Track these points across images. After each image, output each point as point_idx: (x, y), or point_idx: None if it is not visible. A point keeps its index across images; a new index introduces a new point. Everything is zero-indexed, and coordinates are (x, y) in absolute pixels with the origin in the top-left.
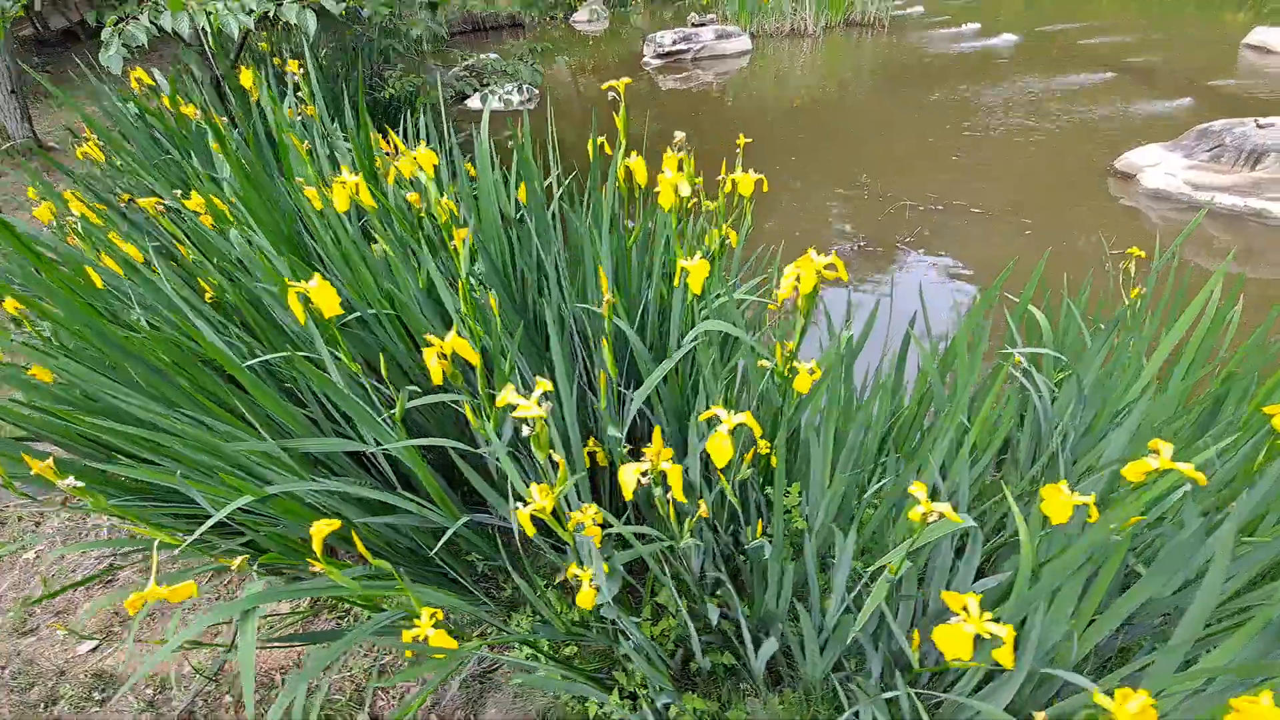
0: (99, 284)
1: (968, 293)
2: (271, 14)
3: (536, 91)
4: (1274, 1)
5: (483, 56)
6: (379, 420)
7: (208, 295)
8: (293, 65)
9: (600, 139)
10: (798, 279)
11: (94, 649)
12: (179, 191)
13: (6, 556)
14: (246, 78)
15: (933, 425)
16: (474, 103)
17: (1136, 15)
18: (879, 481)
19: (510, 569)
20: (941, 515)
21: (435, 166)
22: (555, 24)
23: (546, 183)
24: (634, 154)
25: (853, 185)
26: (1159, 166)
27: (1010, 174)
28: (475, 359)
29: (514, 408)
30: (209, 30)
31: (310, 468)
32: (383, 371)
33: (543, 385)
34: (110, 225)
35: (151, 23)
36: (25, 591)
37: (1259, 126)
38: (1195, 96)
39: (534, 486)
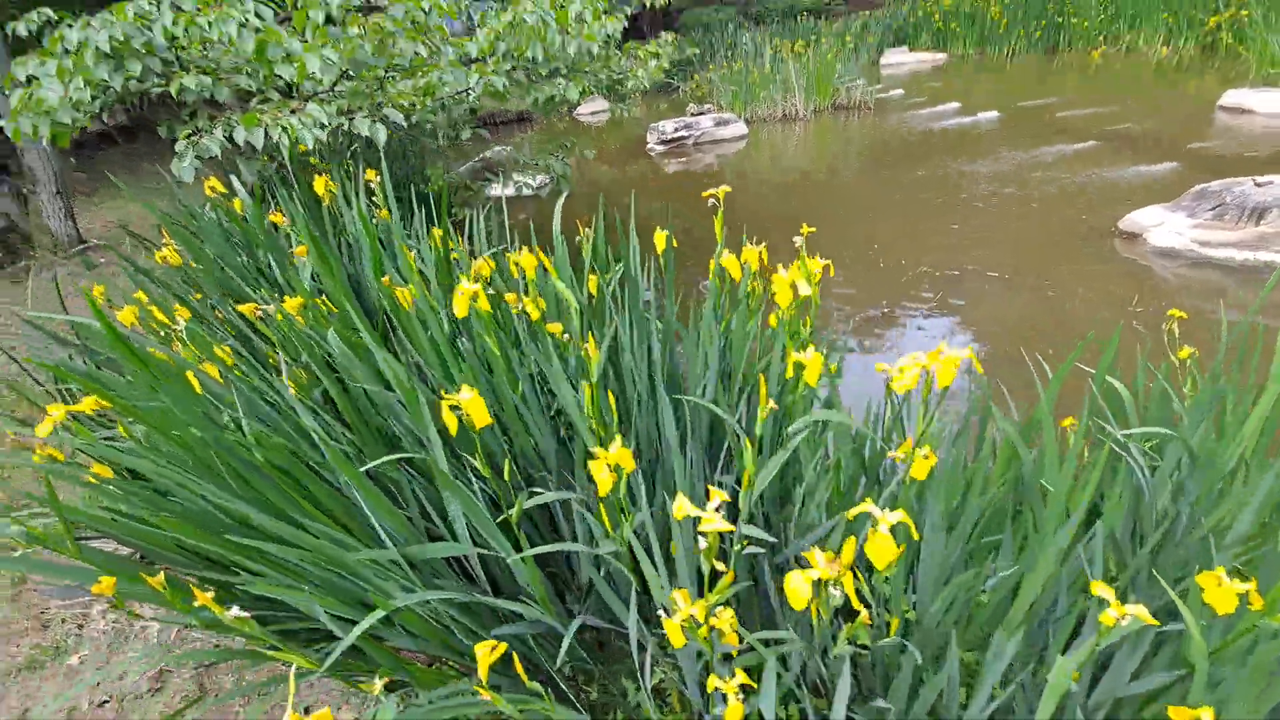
0: (198, 389)
1: (1007, 357)
2: (346, 126)
3: (548, 179)
4: (1239, 65)
5: (500, 149)
6: (495, 524)
7: (293, 393)
8: (370, 175)
9: (666, 232)
10: (926, 372)
11: None
12: (277, 295)
13: (49, 663)
14: (320, 185)
15: (1024, 508)
16: (495, 190)
17: (1106, 89)
18: (986, 567)
19: (597, 670)
20: (1134, 617)
21: (515, 264)
22: (560, 117)
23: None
24: (725, 252)
25: (860, 256)
26: (1164, 226)
27: (1014, 239)
28: (631, 466)
29: (697, 519)
30: (286, 142)
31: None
32: (505, 474)
33: (719, 495)
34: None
35: (225, 136)
36: (71, 702)
37: (1257, 185)
38: (1180, 159)
39: (677, 593)
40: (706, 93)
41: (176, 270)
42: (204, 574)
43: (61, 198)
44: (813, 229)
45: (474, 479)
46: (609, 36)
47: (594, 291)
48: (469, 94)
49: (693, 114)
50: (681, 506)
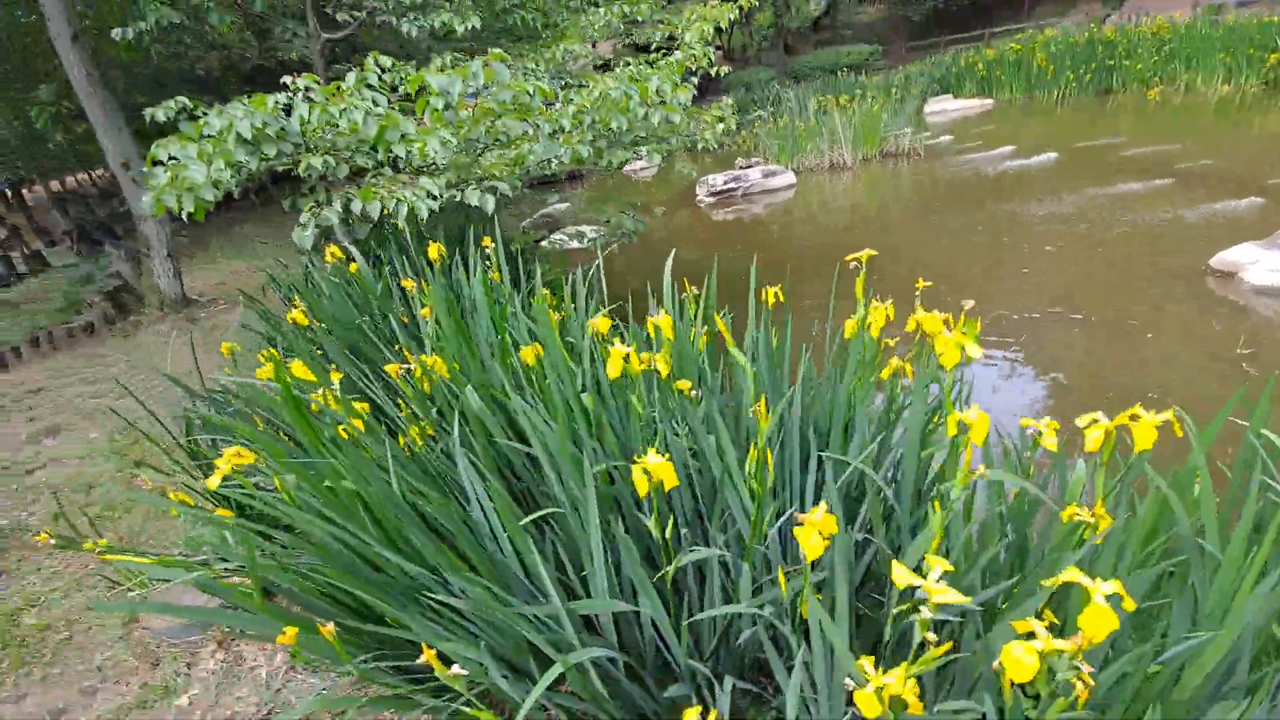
0: (343, 435)
1: (1110, 402)
2: (459, 197)
3: (603, 232)
4: None
5: (559, 204)
6: (650, 583)
7: (419, 446)
8: (486, 241)
9: (774, 289)
10: (1107, 434)
11: None
12: (397, 351)
13: (159, 701)
14: (433, 250)
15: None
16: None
17: (1167, 128)
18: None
19: None
20: None
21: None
22: (611, 174)
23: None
24: (872, 308)
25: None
26: (1260, 264)
27: (1094, 281)
28: (835, 529)
29: (915, 589)
30: (404, 211)
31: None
32: (667, 533)
33: (941, 564)
34: (325, 383)
35: (343, 208)
36: None
37: None
38: (1262, 195)
39: (864, 660)
40: (753, 147)
41: (302, 328)
42: (340, 620)
43: (171, 259)
44: (924, 285)
45: (622, 533)
46: (681, 104)
47: (700, 348)
48: (551, 161)
49: (741, 166)
50: (902, 576)
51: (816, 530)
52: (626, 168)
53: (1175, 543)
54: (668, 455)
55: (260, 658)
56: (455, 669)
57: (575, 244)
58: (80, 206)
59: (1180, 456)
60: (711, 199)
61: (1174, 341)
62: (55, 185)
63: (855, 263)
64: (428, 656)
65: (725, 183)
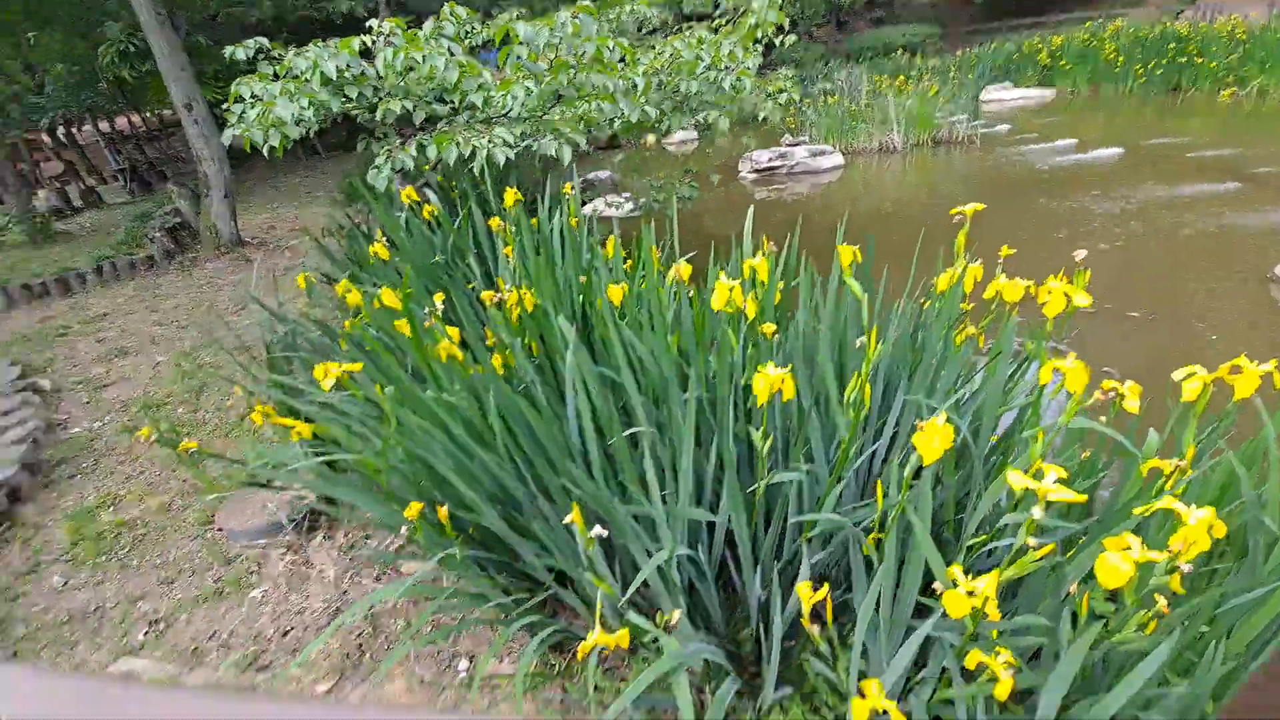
0: (443, 357)
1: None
2: (535, 147)
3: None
4: None
5: (600, 172)
6: (741, 497)
7: (500, 372)
8: (566, 189)
9: (854, 248)
10: (1203, 386)
11: (330, 689)
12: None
13: (233, 594)
14: (510, 197)
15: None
16: (587, 209)
17: (1240, 131)
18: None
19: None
20: None
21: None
22: (648, 144)
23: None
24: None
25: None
26: None
27: (1154, 280)
28: (952, 438)
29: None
30: (482, 158)
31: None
32: (764, 450)
33: (1057, 470)
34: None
35: (420, 151)
36: (255, 628)
37: None
38: None
39: (956, 569)
40: (799, 125)
41: (384, 262)
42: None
43: (229, 200)
44: (1008, 253)
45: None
46: (751, 70)
47: (778, 299)
48: (614, 121)
49: (788, 144)
50: (1018, 480)
51: (936, 435)
52: (666, 140)
53: (1236, 512)
54: (786, 370)
55: (327, 562)
56: (596, 530)
57: (630, 208)
58: (131, 147)
59: (1238, 442)
60: (755, 175)
61: (1228, 346)
62: (105, 126)
63: (960, 216)
64: (574, 517)
65: (770, 160)
